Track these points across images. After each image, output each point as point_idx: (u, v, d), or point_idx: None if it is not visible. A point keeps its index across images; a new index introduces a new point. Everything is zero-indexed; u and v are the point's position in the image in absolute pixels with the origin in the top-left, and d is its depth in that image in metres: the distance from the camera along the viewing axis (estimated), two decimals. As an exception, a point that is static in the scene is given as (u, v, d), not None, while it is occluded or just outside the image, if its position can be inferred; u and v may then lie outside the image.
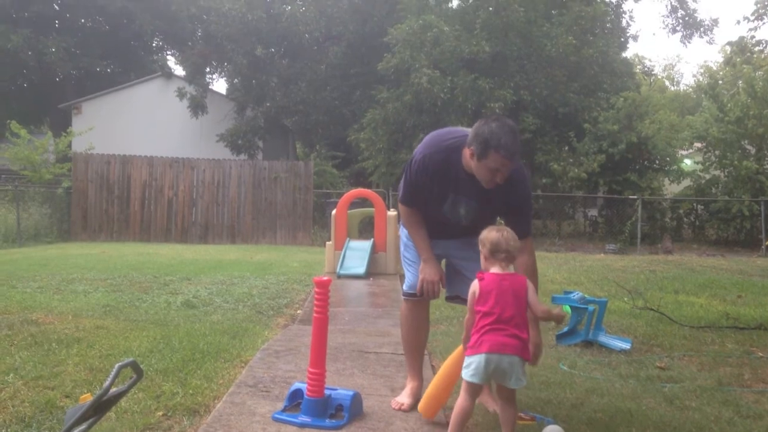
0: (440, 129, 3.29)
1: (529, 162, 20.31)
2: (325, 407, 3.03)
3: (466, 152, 3.00)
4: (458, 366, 2.91)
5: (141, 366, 3.71)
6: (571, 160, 18.48)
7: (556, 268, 10.84)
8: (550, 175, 18.63)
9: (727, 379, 3.95)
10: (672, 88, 44.49)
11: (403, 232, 3.52)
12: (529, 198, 3.20)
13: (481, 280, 2.81)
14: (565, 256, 14.29)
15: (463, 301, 3.33)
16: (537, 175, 19.76)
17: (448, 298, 3.49)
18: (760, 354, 4.64)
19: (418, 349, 3.46)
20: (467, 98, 18.02)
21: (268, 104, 22.64)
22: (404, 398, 3.31)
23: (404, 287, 3.45)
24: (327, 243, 9.91)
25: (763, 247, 16.47)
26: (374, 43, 20.63)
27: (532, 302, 2.80)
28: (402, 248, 3.53)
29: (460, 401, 2.77)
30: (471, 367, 2.72)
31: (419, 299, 3.35)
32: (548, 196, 19.01)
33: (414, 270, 3.38)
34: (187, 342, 4.49)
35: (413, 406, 3.25)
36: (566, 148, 19.04)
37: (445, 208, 3.19)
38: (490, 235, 2.86)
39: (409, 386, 3.37)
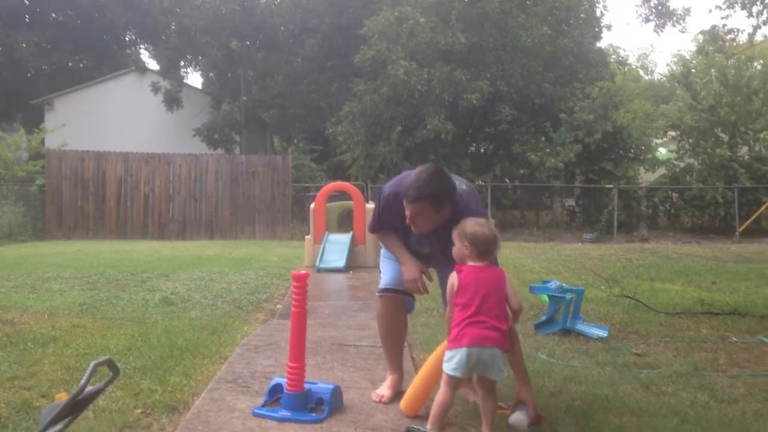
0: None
1: (507, 153, 20.42)
2: (305, 401, 3.03)
3: None
4: (440, 364, 2.91)
5: (117, 364, 3.68)
6: (548, 150, 18.61)
7: (535, 258, 10.93)
8: (528, 165, 18.74)
9: (702, 364, 4.01)
10: (646, 78, 44.93)
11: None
12: (481, 216, 3.16)
13: (459, 272, 2.82)
14: (543, 246, 14.41)
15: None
16: (514, 166, 19.89)
17: None
18: (735, 339, 4.71)
19: (396, 343, 3.46)
20: (444, 90, 18.05)
21: (244, 98, 22.47)
22: (384, 390, 3.31)
23: (381, 284, 3.44)
24: (306, 237, 9.88)
25: (736, 233, 16.74)
26: (350, 35, 20.56)
27: (510, 295, 2.83)
28: (381, 246, 3.54)
29: (441, 394, 2.78)
30: (453, 360, 2.73)
31: (394, 295, 3.36)
32: (526, 187, 19.13)
33: (391, 266, 3.40)
34: (165, 339, 4.45)
35: (393, 398, 3.26)
36: (543, 138, 19.17)
37: (411, 244, 3.32)
38: (468, 228, 2.87)
39: (389, 378, 3.38)
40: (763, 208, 17.00)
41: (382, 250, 3.54)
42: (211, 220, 16.84)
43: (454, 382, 2.77)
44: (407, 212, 3.09)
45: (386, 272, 3.43)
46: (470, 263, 2.84)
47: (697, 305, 5.96)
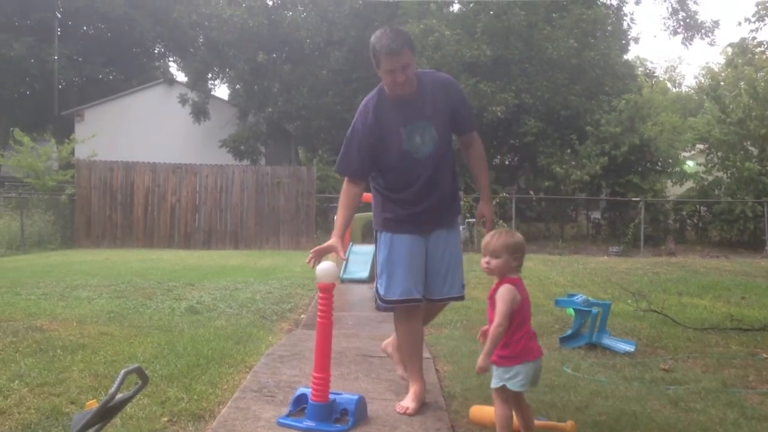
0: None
1: (532, 165, 20.31)
2: (329, 412, 3.04)
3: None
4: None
5: (146, 372, 3.73)
6: (573, 163, 18.48)
7: (560, 271, 10.84)
8: (553, 177, 18.63)
9: (731, 380, 3.94)
10: (674, 90, 44.45)
11: (382, 237, 3.44)
12: (464, 97, 3.46)
13: (517, 285, 2.74)
14: (569, 258, 14.28)
15: (434, 303, 3.47)
16: (539, 178, 19.77)
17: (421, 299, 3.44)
18: (765, 355, 4.63)
19: (417, 353, 3.44)
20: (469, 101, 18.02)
21: (270, 110, 22.68)
22: (409, 402, 3.30)
23: (395, 295, 3.33)
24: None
25: (766, 248, 16.43)
26: (376, 49, 20.65)
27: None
28: (385, 253, 3.42)
29: (501, 408, 2.73)
30: (520, 376, 2.68)
31: (413, 304, 3.34)
32: (551, 199, 19.01)
33: (402, 273, 3.31)
34: (191, 347, 4.50)
35: (417, 410, 3.25)
36: (568, 150, 19.05)
37: (404, 144, 3.27)
38: (515, 239, 2.81)
39: (413, 390, 3.37)
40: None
41: (384, 252, 3.40)
42: (236, 230, 16.99)
43: (509, 396, 2.74)
44: (392, 75, 3.14)
45: (399, 278, 3.31)
46: (512, 276, 2.79)
47: (726, 321, 5.87)
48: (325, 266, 3.10)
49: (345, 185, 3.42)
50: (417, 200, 3.36)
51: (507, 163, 22.31)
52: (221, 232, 16.99)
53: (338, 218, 3.42)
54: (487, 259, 2.78)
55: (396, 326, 3.48)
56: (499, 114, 18.03)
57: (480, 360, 2.63)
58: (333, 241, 3.31)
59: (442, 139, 3.33)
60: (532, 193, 18.70)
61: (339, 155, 3.44)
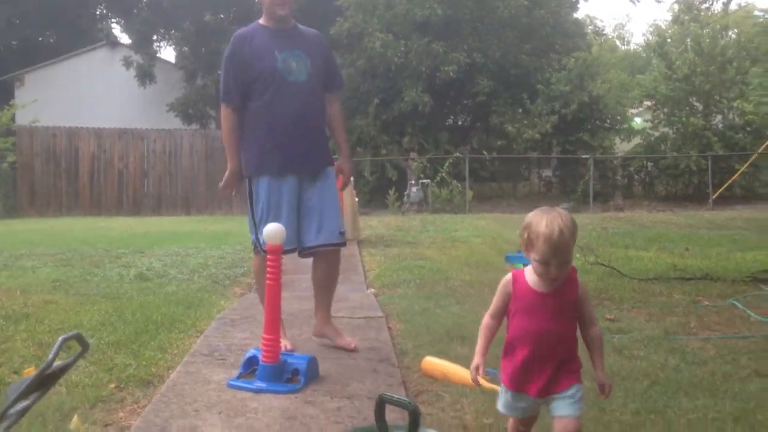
0: None
1: (484, 124, 20.41)
2: (280, 372, 3.03)
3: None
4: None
5: (90, 339, 3.65)
6: (525, 122, 18.62)
7: (512, 229, 10.96)
8: (505, 137, 18.77)
9: (673, 328, 4.08)
10: (622, 48, 45.00)
11: (259, 186, 3.44)
12: (334, 55, 3.83)
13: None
14: (521, 216, 14.36)
15: (306, 253, 3.48)
16: (492, 138, 19.89)
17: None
18: (706, 303, 4.80)
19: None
20: (421, 62, 17.92)
21: (219, 72, 22.12)
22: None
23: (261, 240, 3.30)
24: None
25: (710, 201, 16.97)
26: (327, 7, 20.26)
27: None
28: (261, 199, 3.43)
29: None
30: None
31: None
32: (503, 158, 19.17)
33: (275, 220, 3.28)
34: (140, 314, 4.42)
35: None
36: (520, 110, 19.16)
37: (279, 64, 3.38)
38: (573, 229, 1.98)
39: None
40: (736, 175, 17.22)
41: (260, 198, 3.44)
42: (187, 195, 16.71)
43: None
44: None
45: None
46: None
47: (669, 271, 6.06)
48: (272, 227, 3.07)
49: (228, 115, 3.48)
50: (289, 128, 3.40)
51: (460, 123, 22.34)
52: (172, 198, 16.69)
53: (230, 147, 3.48)
54: (554, 272, 1.97)
55: (257, 274, 3.51)
56: (451, 74, 17.98)
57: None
58: (236, 179, 3.50)
59: (316, 77, 3.48)
60: (485, 152, 18.81)
61: (221, 87, 3.51)
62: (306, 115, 3.45)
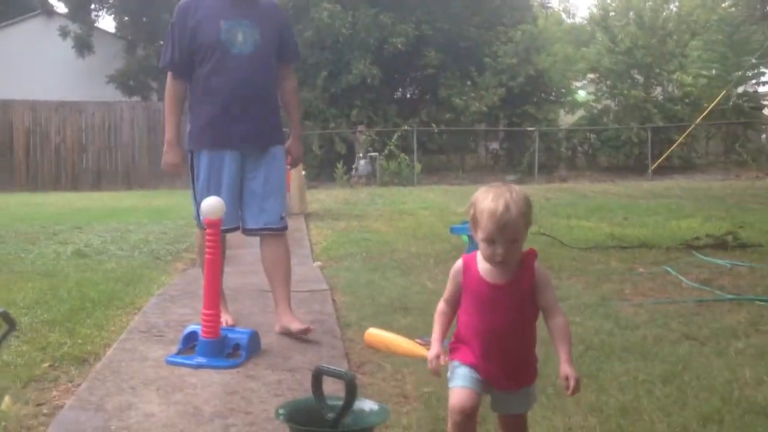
0: None
1: (433, 97, 20.43)
2: (221, 347, 3.00)
3: None
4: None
5: (23, 318, 3.55)
6: (472, 95, 18.73)
7: (459, 201, 11.09)
8: (453, 110, 18.84)
9: (609, 294, 4.19)
10: (568, 21, 45.47)
11: (200, 161, 3.35)
12: (290, 24, 3.64)
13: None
14: (468, 188, 14.61)
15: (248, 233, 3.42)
16: (440, 111, 19.93)
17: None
18: (641, 270, 4.95)
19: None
20: (369, 34, 17.77)
21: (160, 42, 21.48)
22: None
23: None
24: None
25: (649, 171, 17.47)
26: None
27: None
28: (203, 175, 3.34)
29: None
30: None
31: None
32: (451, 131, 19.27)
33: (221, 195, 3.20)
34: (76, 292, 4.30)
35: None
36: (468, 82, 19.25)
37: (222, 35, 3.22)
38: (522, 207, 1.78)
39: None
40: (674, 146, 17.75)
41: (201, 174, 3.33)
42: (128, 170, 16.28)
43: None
44: None
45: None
46: None
47: (608, 240, 6.22)
48: (211, 201, 3.01)
49: (170, 83, 3.39)
50: (231, 102, 3.27)
51: (408, 96, 22.31)
52: (112, 173, 16.24)
53: (172, 120, 3.39)
54: (501, 251, 1.77)
55: (200, 248, 3.42)
56: (399, 46, 17.90)
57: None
58: (174, 150, 3.39)
59: (265, 49, 3.31)
60: (433, 125, 18.88)
61: (164, 55, 3.40)
62: (250, 89, 3.29)
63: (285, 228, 3.47)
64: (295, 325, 3.28)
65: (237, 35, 3.24)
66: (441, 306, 1.97)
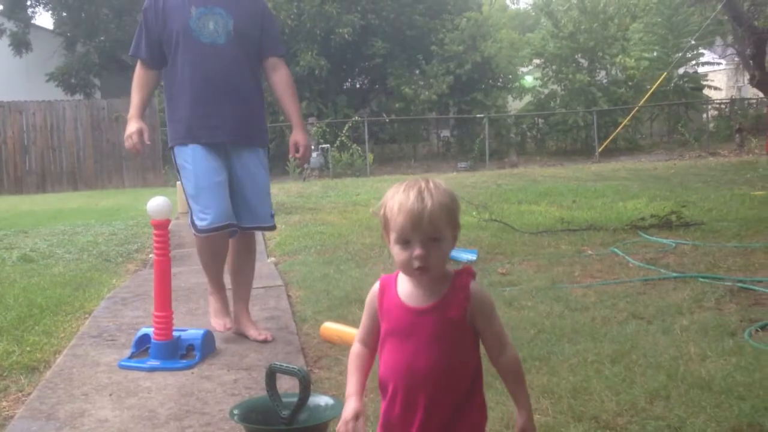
0: None
1: (382, 87, 20.44)
2: (175, 349, 2.97)
3: None
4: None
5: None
6: (421, 83, 18.82)
7: (411, 189, 11.15)
8: (403, 99, 18.90)
9: (559, 277, 4.29)
10: (513, 7, 45.96)
11: (179, 156, 3.23)
12: (272, 15, 3.46)
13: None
14: (420, 177, 14.74)
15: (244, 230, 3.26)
16: (390, 100, 19.98)
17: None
18: (590, 252, 5.07)
19: (221, 268, 3.36)
20: (315, 24, 17.64)
21: (101, 38, 20.92)
22: (224, 319, 3.29)
23: (205, 220, 3.10)
24: (178, 183, 9.52)
25: (596, 154, 17.87)
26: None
27: None
28: (191, 177, 3.17)
29: None
30: None
31: (223, 232, 3.16)
32: (402, 120, 19.34)
33: (216, 196, 3.11)
34: (23, 298, 4.18)
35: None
36: (417, 71, 19.32)
37: (191, 23, 3.09)
38: (443, 199, 1.44)
39: (216, 299, 3.35)
40: (619, 128, 18.19)
41: (188, 170, 3.19)
42: (73, 170, 15.84)
43: None
44: None
45: (211, 205, 3.10)
46: None
47: (558, 223, 6.34)
48: (157, 202, 2.95)
49: (138, 71, 3.28)
50: (206, 94, 3.13)
51: (358, 86, 22.28)
52: (57, 174, 15.78)
53: (135, 99, 3.27)
54: (418, 251, 1.40)
55: (201, 253, 3.30)
56: (346, 36, 17.83)
57: None
58: (136, 124, 3.18)
59: (239, 41, 3.15)
60: (384, 115, 18.90)
61: (134, 43, 3.27)
62: (225, 84, 3.14)
63: (274, 227, 3.42)
64: (252, 333, 3.24)
65: (208, 23, 3.10)
66: (355, 348, 1.56)
